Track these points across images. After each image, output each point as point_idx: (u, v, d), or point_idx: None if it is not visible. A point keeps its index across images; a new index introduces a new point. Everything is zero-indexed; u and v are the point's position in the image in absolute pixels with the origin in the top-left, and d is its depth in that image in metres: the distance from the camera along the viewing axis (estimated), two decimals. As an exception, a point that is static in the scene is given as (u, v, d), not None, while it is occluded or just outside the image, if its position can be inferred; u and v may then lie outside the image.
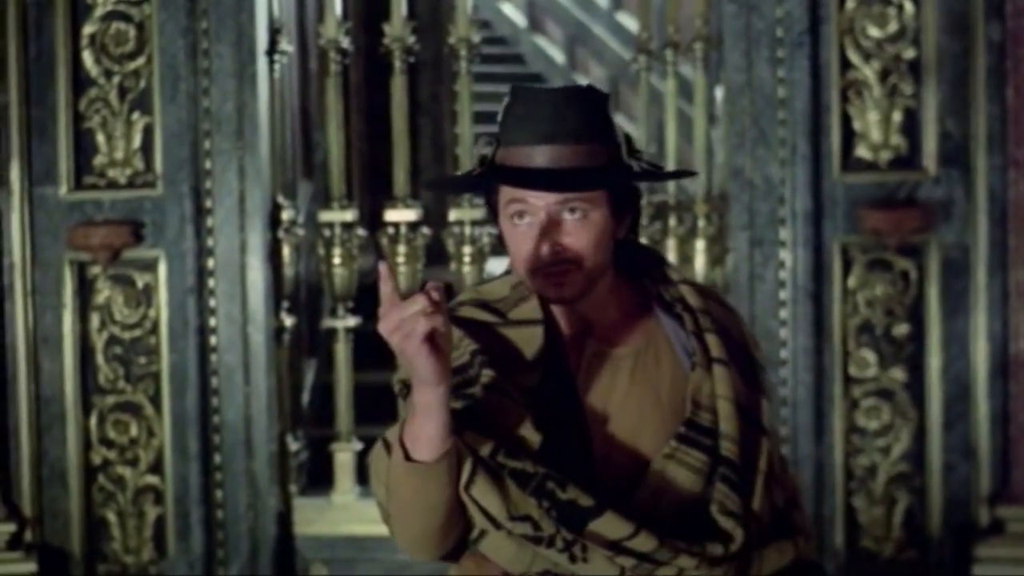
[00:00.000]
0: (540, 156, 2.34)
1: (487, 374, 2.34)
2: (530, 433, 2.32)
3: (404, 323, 2.16)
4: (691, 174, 2.67)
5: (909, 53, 5.11)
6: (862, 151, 5.14)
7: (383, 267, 2.19)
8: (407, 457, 2.27)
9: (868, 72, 5.11)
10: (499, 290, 2.47)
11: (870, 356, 5.16)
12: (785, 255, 5.12)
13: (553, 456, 2.33)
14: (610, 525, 2.30)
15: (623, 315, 2.47)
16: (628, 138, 2.40)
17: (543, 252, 2.34)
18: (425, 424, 2.25)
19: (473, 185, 2.52)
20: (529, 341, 2.39)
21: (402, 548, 2.44)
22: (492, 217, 2.48)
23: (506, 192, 2.40)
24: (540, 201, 2.35)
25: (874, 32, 5.10)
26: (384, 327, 2.18)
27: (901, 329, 5.17)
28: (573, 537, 2.31)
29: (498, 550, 2.39)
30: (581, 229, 2.35)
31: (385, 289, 2.19)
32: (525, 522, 2.32)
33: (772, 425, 2.54)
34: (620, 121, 10.20)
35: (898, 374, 5.17)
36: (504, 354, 2.38)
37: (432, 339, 2.17)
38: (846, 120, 5.13)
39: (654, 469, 2.37)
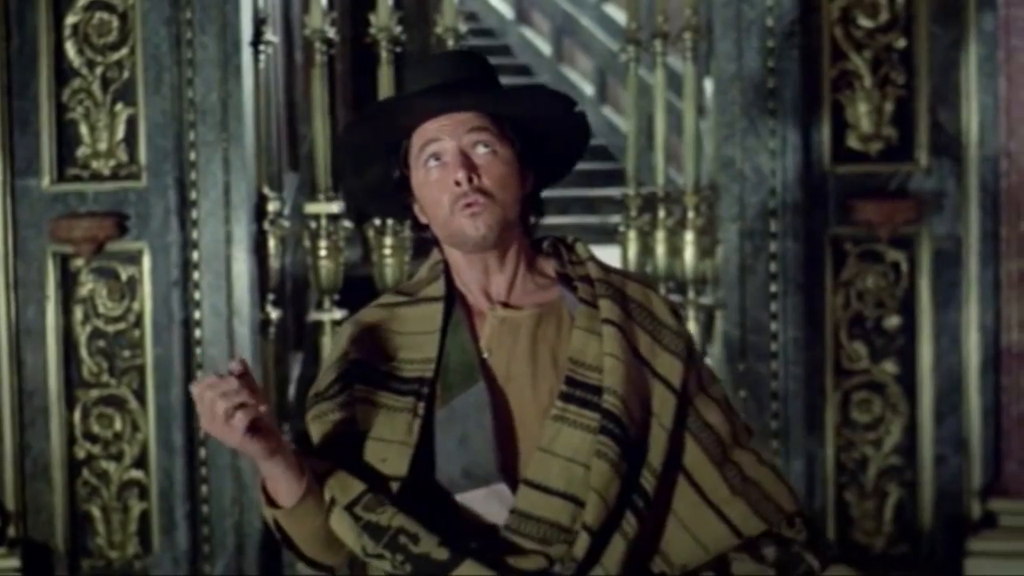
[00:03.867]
0: (437, 94, 2.48)
1: (360, 388, 2.49)
2: (398, 458, 2.43)
3: (215, 422, 2.35)
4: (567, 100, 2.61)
5: (900, 43, 5.08)
6: (853, 142, 5.11)
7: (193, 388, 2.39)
8: (269, 503, 2.46)
9: (859, 62, 5.08)
10: (419, 274, 2.62)
11: (861, 348, 5.14)
12: (776, 247, 5.08)
13: (458, 420, 2.44)
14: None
15: (531, 284, 2.56)
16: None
17: (459, 177, 2.45)
18: (276, 483, 2.44)
19: (391, 191, 2.60)
20: (431, 316, 2.51)
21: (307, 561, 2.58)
22: (412, 220, 2.59)
23: (418, 141, 2.51)
24: (451, 141, 2.48)
25: (865, 22, 5.07)
26: (203, 425, 2.39)
27: (892, 321, 5.14)
28: None
29: None
30: (492, 162, 2.47)
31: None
32: (382, 559, 2.42)
33: (713, 390, 2.56)
34: (608, 113, 10.19)
35: (889, 366, 5.14)
36: (407, 330, 2.53)
37: (251, 424, 2.34)
38: (837, 110, 5.10)
39: (546, 433, 2.42)
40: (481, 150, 2.48)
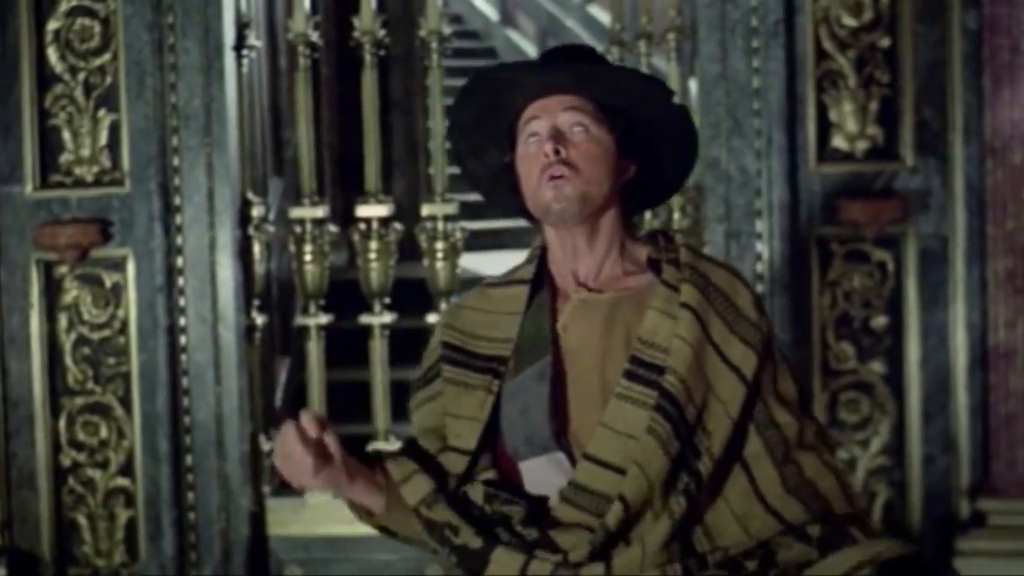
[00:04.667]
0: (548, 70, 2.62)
1: (449, 370, 2.64)
2: (469, 433, 2.59)
3: (288, 469, 2.52)
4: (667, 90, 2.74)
5: (885, 42, 5.07)
6: (838, 141, 5.10)
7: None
8: (362, 513, 2.67)
9: (844, 61, 5.07)
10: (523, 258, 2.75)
11: (849, 349, 5.13)
12: (762, 247, 5.07)
13: (522, 391, 2.57)
14: (500, 562, 2.51)
15: (620, 269, 2.64)
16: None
17: (547, 148, 2.57)
18: (362, 499, 2.63)
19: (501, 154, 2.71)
20: (517, 297, 2.64)
21: None
22: (522, 206, 2.67)
23: (523, 122, 2.64)
24: (548, 119, 2.60)
25: (849, 21, 5.06)
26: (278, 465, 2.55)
27: (879, 321, 5.13)
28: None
29: None
30: (582, 139, 2.58)
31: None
32: (440, 554, 2.62)
33: (786, 389, 2.60)
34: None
35: (877, 366, 5.13)
36: (494, 309, 2.66)
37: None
38: (822, 110, 5.08)
39: (610, 410, 2.51)
40: (575, 128, 2.59)
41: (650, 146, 2.65)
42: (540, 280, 2.66)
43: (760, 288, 5.05)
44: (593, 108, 2.61)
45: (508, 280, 2.69)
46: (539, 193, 2.59)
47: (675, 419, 2.48)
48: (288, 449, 2.50)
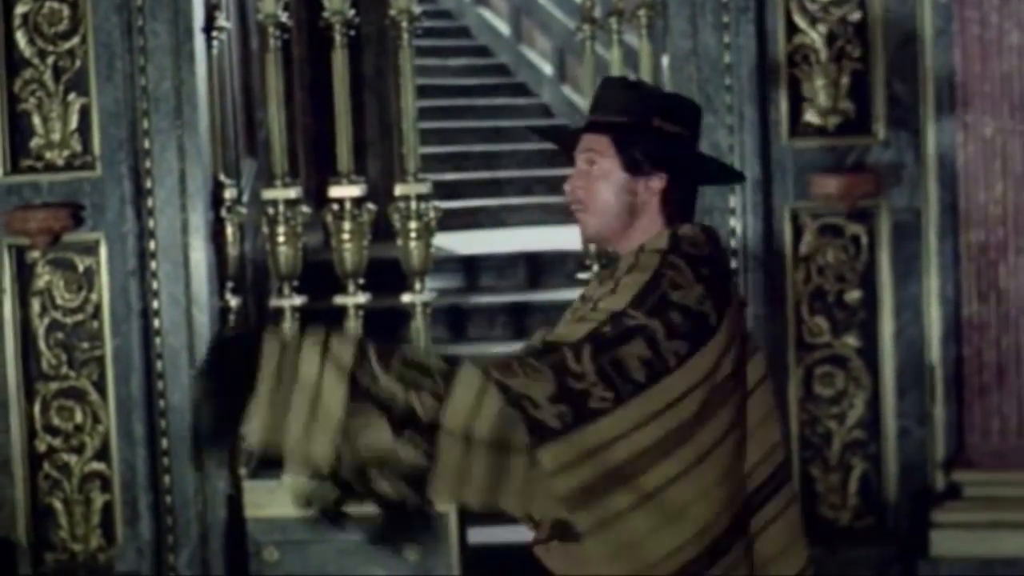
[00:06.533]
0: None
1: None
2: None
3: None
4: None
5: (855, 16, 5.07)
6: (810, 116, 5.10)
7: None
8: None
9: (815, 36, 5.07)
10: None
11: (823, 323, 5.13)
12: (735, 223, 5.07)
13: None
14: None
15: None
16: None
17: (567, 190, 2.92)
18: None
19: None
20: None
21: None
22: None
23: None
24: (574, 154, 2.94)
25: (820, -5, 5.06)
26: None
27: (853, 295, 5.14)
28: None
29: None
30: (587, 175, 2.89)
31: None
32: None
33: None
34: (568, 92, 10.16)
35: (851, 340, 5.14)
36: None
37: None
38: (794, 85, 5.08)
39: None
40: (585, 165, 2.89)
41: (679, 155, 2.93)
42: None
43: (733, 263, 5.05)
44: (607, 141, 2.87)
45: None
46: None
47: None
48: None
